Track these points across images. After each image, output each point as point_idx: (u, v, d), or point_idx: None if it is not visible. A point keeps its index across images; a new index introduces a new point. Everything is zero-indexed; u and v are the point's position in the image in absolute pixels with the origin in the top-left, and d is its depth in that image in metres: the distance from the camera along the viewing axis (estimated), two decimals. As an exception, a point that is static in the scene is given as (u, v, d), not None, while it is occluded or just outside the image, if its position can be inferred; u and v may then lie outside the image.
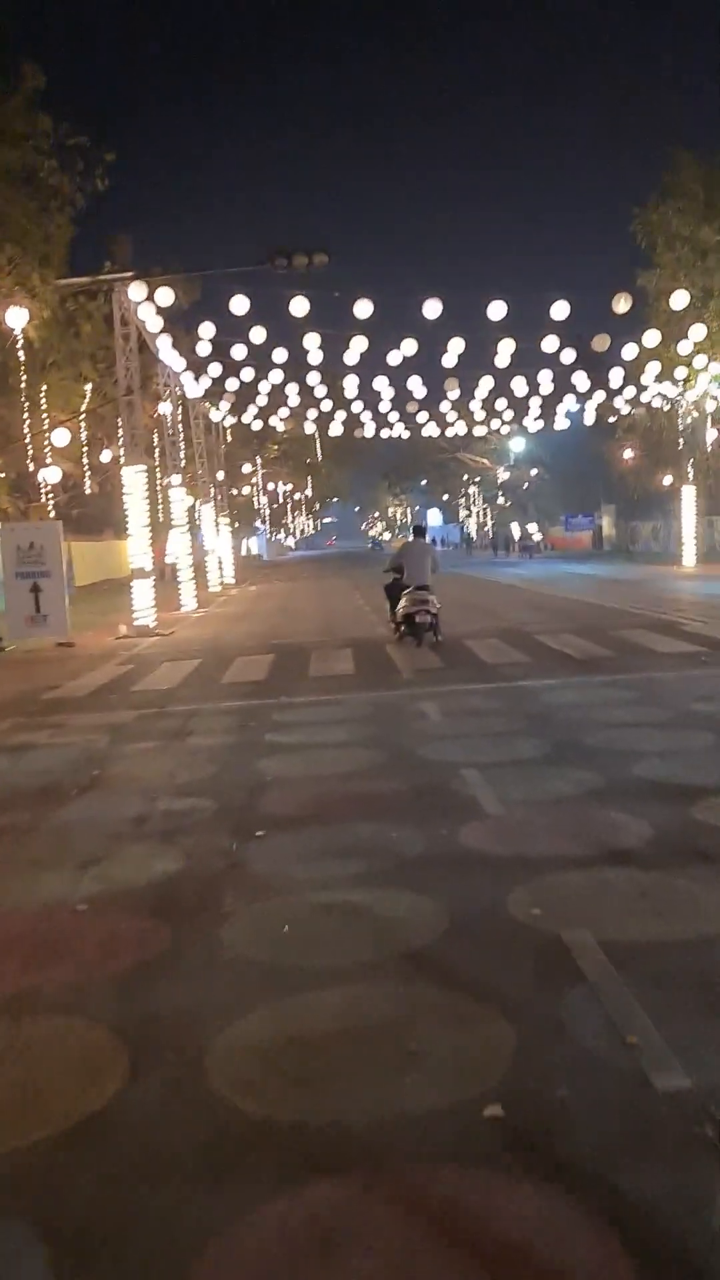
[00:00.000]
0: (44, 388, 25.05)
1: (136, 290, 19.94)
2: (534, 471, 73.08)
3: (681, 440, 37.08)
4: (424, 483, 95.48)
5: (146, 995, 3.92)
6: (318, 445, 68.04)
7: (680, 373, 31.42)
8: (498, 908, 4.55)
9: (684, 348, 27.61)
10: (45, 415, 25.41)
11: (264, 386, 29.86)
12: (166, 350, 24.71)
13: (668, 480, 45.57)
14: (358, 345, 24.13)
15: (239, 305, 21.01)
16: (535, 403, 34.65)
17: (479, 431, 45.18)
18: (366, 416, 37.06)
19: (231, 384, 29.16)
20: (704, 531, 38.12)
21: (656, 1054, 3.23)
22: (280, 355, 25.53)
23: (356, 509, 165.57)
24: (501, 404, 35.34)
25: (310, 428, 43.55)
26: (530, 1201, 2.59)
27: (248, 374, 27.95)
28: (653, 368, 30.36)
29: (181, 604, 26.47)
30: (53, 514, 25.20)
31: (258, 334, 23.30)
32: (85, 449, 31.06)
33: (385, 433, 42.38)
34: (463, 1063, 3.27)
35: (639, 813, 5.91)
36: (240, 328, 23.15)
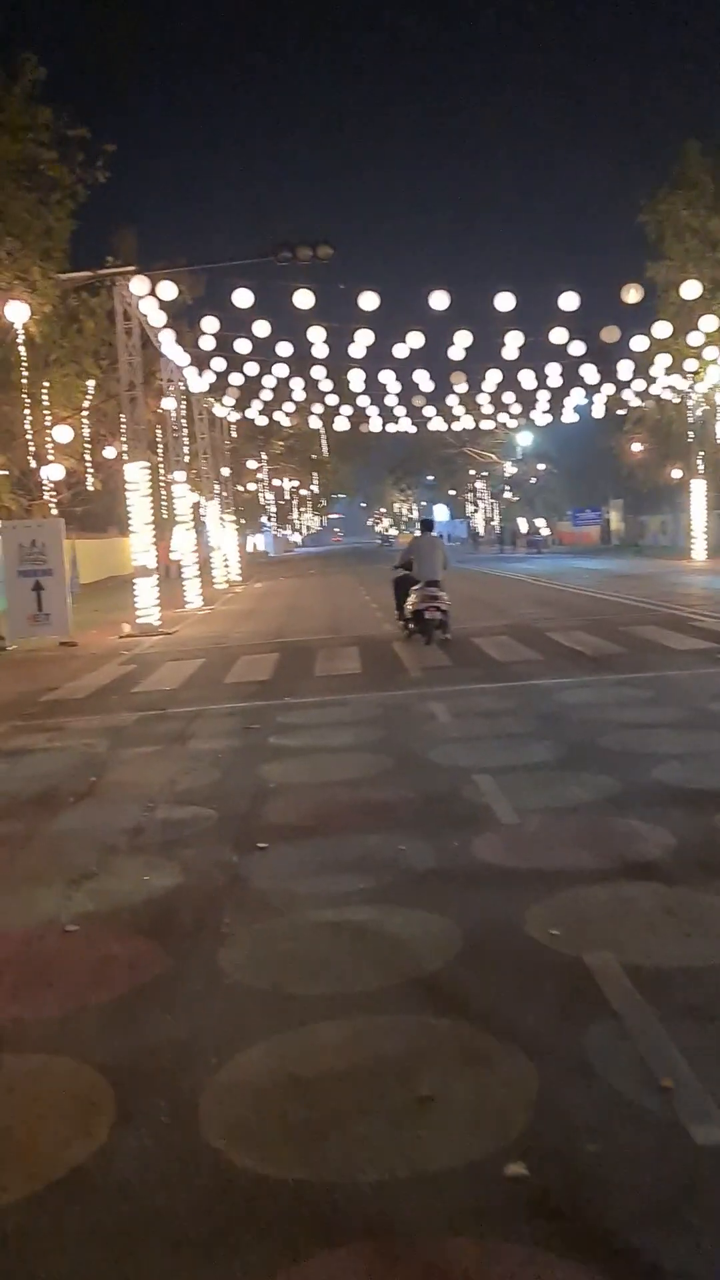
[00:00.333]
0: (46, 384, 24.76)
1: (139, 284, 19.64)
2: (541, 466, 72.67)
3: (691, 433, 36.68)
4: (430, 478, 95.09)
5: (138, 1028, 3.64)
6: (323, 440, 67.70)
7: (690, 365, 31.03)
8: (514, 927, 4.27)
9: (695, 339, 27.20)
10: (47, 412, 25.13)
11: (268, 381, 29.53)
12: (170, 345, 24.41)
13: (676, 474, 45.22)
14: (363, 338, 23.77)
15: (242, 299, 20.70)
16: (543, 396, 34.25)
17: (486, 425, 44.76)
18: (372, 411, 36.70)
19: (235, 379, 28.83)
20: (714, 525, 37.73)
21: (693, 1099, 2.94)
22: (285, 349, 25.21)
23: (363, 505, 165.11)
24: (509, 398, 34.95)
25: (315, 423, 43.17)
26: None
27: (252, 369, 27.61)
28: (662, 360, 29.97)
29: (186, 602, 26.20)
30: (55, 511, 24.96)
31: (261, 328, 22.98)
32: (88, 446, 30.76)
33: (391, 427, 41.96)
34: (481, 1110, 2.98)
35: (660, 821, 5.62)
36: (244, 322, 22.84)
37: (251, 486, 69.92)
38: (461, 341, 24.42)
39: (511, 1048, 3.29)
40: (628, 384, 32.00)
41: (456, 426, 45.21)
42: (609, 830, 5.56)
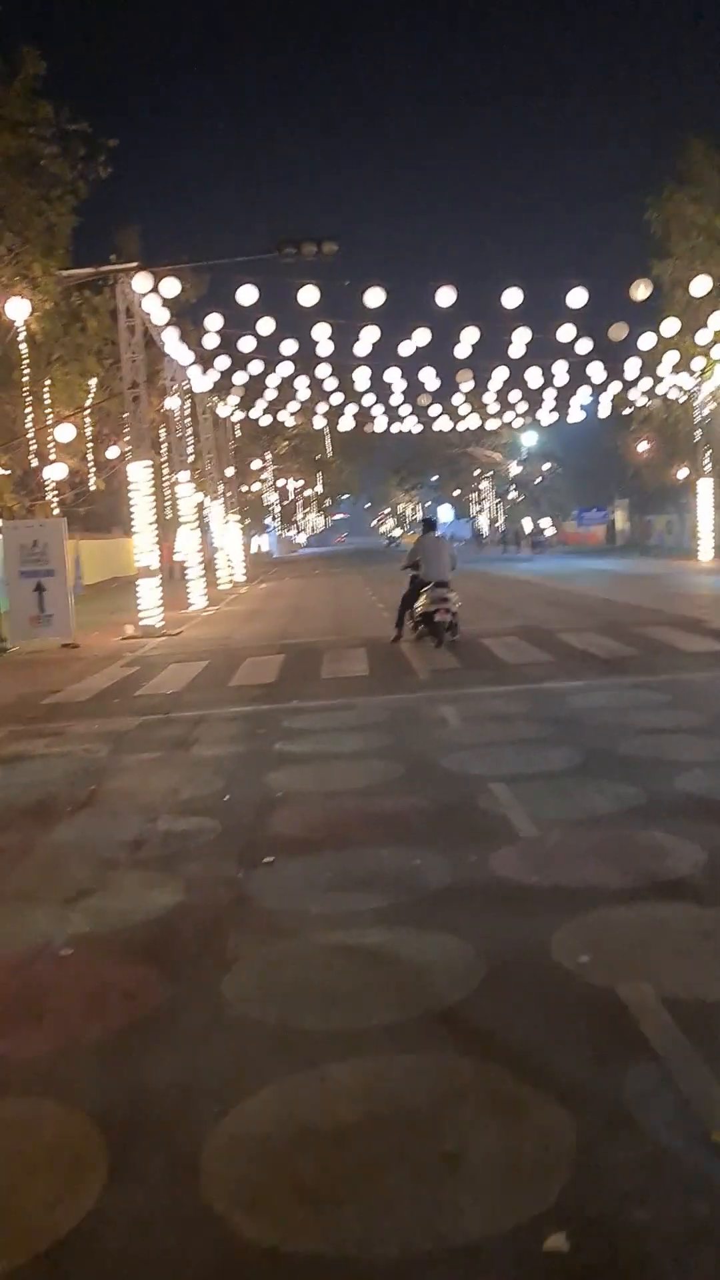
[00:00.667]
0: (48, 382, 24.48)
1: (141, 281, 19.36)
2: (546, 466, 72.31)
3: (698, 432, 36.35)
4: (435, 478, 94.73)
5: (135, 1068, 3.35)
6: (328, 440, 67.40)
7: (698, 363, 30.73)
8: (540, 953, 3.97)
9: (702, 337, 26.88)
10: (49, 411, 24.85)
11: (273, 380, 29.25)
12: (173, 343, 24.13)
13: (683, 474, 44.88)
14: (369, 336, 23.47)
15: (247, 296, 20.40)
16: (550, 395, 33.94)
17: (492, 424, 44.44)
18: (378, 410, 36.41)
19: (240, 378, 28.55)
20: (720, 525, 37.40)
21: (749, 1157, 2.65)
22: (289, 347, 24.93)
23: (367, 505, 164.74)
24: (515, 396, 34.65)
25: (320, 422, 42.87)
26: None
27: (256, 367, 27.33)
28: (669, 358, 29.67)
29: (190, 603, 25.94)
30: (57, 511, 24.70)
31: (266, 325, 22.69)
32: (90, 445, 30.48)
33: (396, 427, 41.67)
34: (513, 1170, 2.69)
35: (688, 834, 5.32)
36: (248, 319, 22.57)
37: (256, 487, 69.62)
38: (468, 338, 24.12)
39: (544, 1095, 3.00)
40: (634, 383, 31.69)
41: (462, 426, 44.90)
42: (634, 844, 5.27)
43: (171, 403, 28.07)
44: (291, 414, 38.17)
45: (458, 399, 35.34)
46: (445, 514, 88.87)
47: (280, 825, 6.11)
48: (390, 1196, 2.59)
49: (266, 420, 39.57)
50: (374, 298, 20.41)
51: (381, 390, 31.64)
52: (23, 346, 21.32)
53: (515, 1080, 3.09)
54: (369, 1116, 2.95)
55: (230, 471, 43.60)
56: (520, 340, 24.69)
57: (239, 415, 39.18)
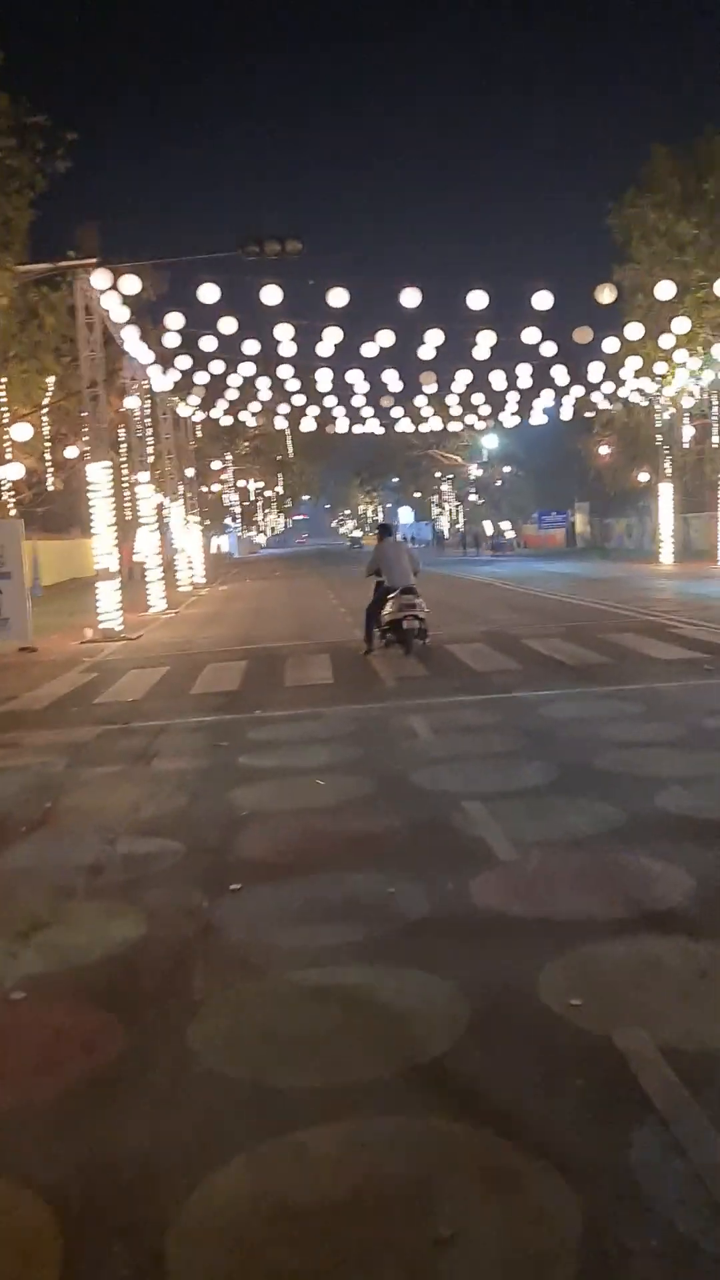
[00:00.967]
0: (4, 380, 23.96)
1: (100, 278, 18.95)
2: (507, 469, 72.46)
3: (659, 436, 36.49)
4: (396, 480, 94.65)
5: (92, 1134, 3.05)
6: (289, 441, 67.07)
7: (660, 368, 30.79)
8: (527, 994, 3.73)
9: (666, 341, 26.90)
10: (5, 409, 24.32)
11: (234, 380, 28.88)
12: (133, 342, 23.71)
13: (644, 477, 45.06)
14: (332, 336, 23.19)
15: (208, 294, 20.04)
16: (513, 398, 33.86)
17: (454, 427, 44.35)
18: (340, 411, 36.13)
19: (201, 378, 28.16)
20: (681, 529, 37.59)
21: (771, 1239, 2.41)
22: (251, 348, 24.58)
23: (328, 506, 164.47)
24: (478, 399, 34.54)
25: (281, 423, 42.50)
26: None
27: (217, 367, 26.94)
28: (632, 363, 29.71)
29: (150, 605, 25.51)
30: (14, 512, 24.20)
31: (228, 325, 22.33)
32: (48, 445, 29.93)
33: (358, 428, 41.39)
34: (514, 1257, 2.43)
35: (674, 858, 5.11)
36: (209, 319, 22.20)
37: (216, 488, 69.09)
38: (432, 340, 23.92)
39: (542, 1164, 2.75)
40: (597, 386, 31.69)
41: (424, 428, 44.76)
42: (618, 869, 5.05)
43: (131, 402, 27.62)
44: (253, 414, 37.78)
45: (420, 401, 35.16)
46: (406, 516, 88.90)
47: (246, 847, 5.82)
48: (379, 1293, 2.33)
49: (228, 421, 39.18)
50: (337, 298, 20.14)
51: (344, 391, 31.37)
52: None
53: (510, 1148, 2.84)
54: (351, 1193, 2.68)
55: (191, 472, 43.14)
56: (484, 343, 24.52)
57: (200, 416, 38.75)
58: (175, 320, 22.31)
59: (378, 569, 14.16)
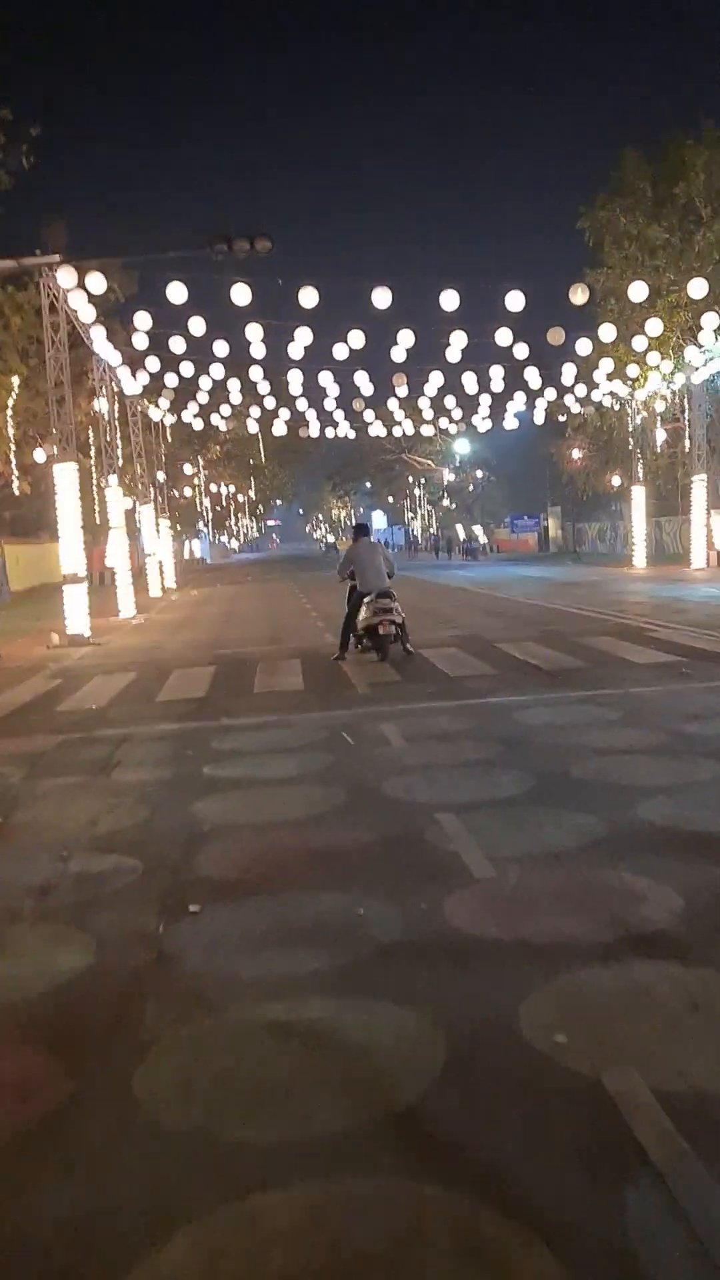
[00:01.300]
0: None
1: (65, 276, 18.57)
2: (480, 473, 72.42)
3: (631, 440, 36.44)
4: (369, 485, 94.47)
5: (23, 1202, 2.72)
6: (261, 445, 66.67)
7: (632, 370, 30.72)
8: (508, 1030, 3.42)
9: (639, 343, 26.78)
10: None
11: (205, 383, 28.51)
12: (101, 343, 23.33)
13: (616, 481, 45.05)
14: (302, 337, 22.88)
15: (177, 294, 19.67)
16: (485, 401, 33.69)
17: (427, 431, 44.16)
18: (311, 415, 35.85)
19: (171, 380, 27.76)
20: (653, 533, 37.57)
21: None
22: (221, 349, 24.25)
23: (300, 511, 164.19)
24: (450, 402, 34.35)
25: (253, 426, 42.13)
26: None
27: (187, 369, 26.56)
28: (605, 365, 29.61)
29: (119, 610, 25.09)
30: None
31: (197, 325, 21.98)
32: (14, 448, 29.43)
33: (330, 432, 41.14)
34: None
35: (659, 873, 4.83)
36: (179, 319, 21.85)
37: (188, 492, 68.58)
38: (404, 341, 23.67)
39: (527, 1233, 2.44)
40: (570, 389, 31.57)
41: (396, 432, 44.57)
42: (601, 886, 4.76)
43: (100, 404, 27.20)
44: (224, 418, 37.41)
45: (392, 404, 34.94)
46: (379, 520, 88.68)
47: (208, 864, 5.49)
48: None
49: (198, 424, 38.79)
50: (308, 298, 19.84)
51: (315, 394, 31.10)
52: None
53: (491, 1213, 2.53)
54: (316, 1273, 2.36)
55: (161, 476, 42.69)
56: (457, 344, 24.30)
57: (170, 418, 38.33)
58: (143, 320, 21.92)
59: (351, 571, 13.51)
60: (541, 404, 34.56)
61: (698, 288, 23.20)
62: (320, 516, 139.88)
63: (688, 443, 34.01)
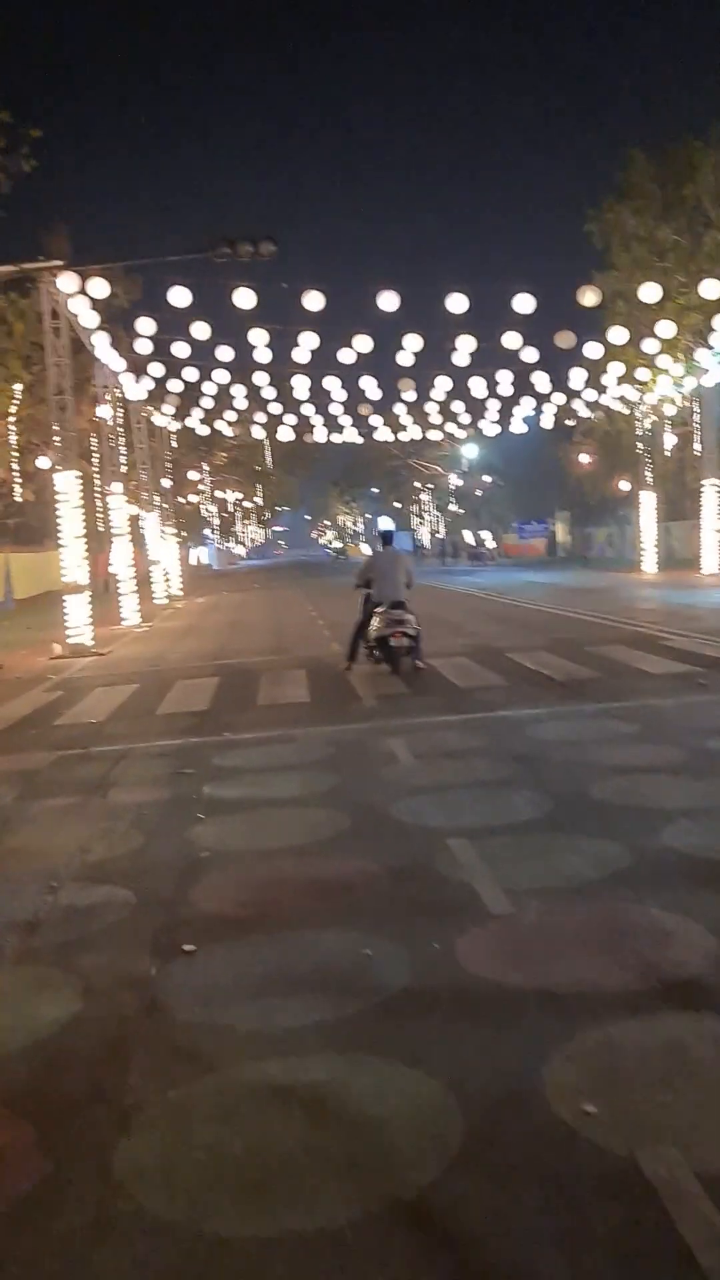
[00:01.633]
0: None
1: (67, 281, 18.29)
2: (487, 478, 72.11)
3: (640, 444, 36.10)
4: (375, 490, 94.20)
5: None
6: (267, 451, 66.47)
7: (642, 374, 30.38)
8: (532, 1097, 3.09)
9: (650, 346, 26.41)
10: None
11: (209, 388, 28.25)
12: (104, 348, 23.05)
13: (624, 486, 44.71)
14: (307, 342, 22.58)
15: (180, 297, 19.38)
16: (493, 405, 33.35)
17: (434, 435, 43.82)
18: (317, 420, 35.55)
19: (175, 385, 27.50)
20: (663, 538, 37.19)
21: None
22: (225, 354, 23.97)
23: (307, 517, 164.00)
24: (458, 406, 34.03)
25: (259, 432, 41.86)
26: None
27: (191, 374, 26.29)
28: (614, 368, 29.28)
29: (123, 619, 24.80)
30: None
31: (201, 330, 21.69)
32: (17, 455, 29.21)
33: (336, 437, 40.84)
34: None
35: (690, 910, 4.49)
36: (182, 324, 21.57)
37: (193, 498, 68.37)
38: (411, 345, 23.35)
39: None
40: (579, 394, 31.24)
41: (403, 437, 44.27)
42: (627, 925, 4.42)
43: (104, 411, 26.94)
44: (229, 424, 37.14)
45: (399, 409, 34.63)
46: (385, 525, 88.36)
47: (204, 897, 5.16)
48: None
49: (204, 430, 38.55)
50: (313, 301, 19.54)
51: (321, 399, 30.80)
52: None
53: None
54: None
55: (167, 483, 42.45)
56: (464, 348, 23.98)
57: (175, 425, 38.10)
58: (147, 325, 21.65)
59: (368, 579, 13.04)
60: (550, 408, 34.24)
61: (710, 288, 22.84)
62: (327, 522, 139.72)
63: (698, 446, 33.67)
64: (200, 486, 69.28)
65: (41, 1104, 3.27)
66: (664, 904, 4.60)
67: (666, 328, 24.98)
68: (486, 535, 66.53)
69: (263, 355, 23.44)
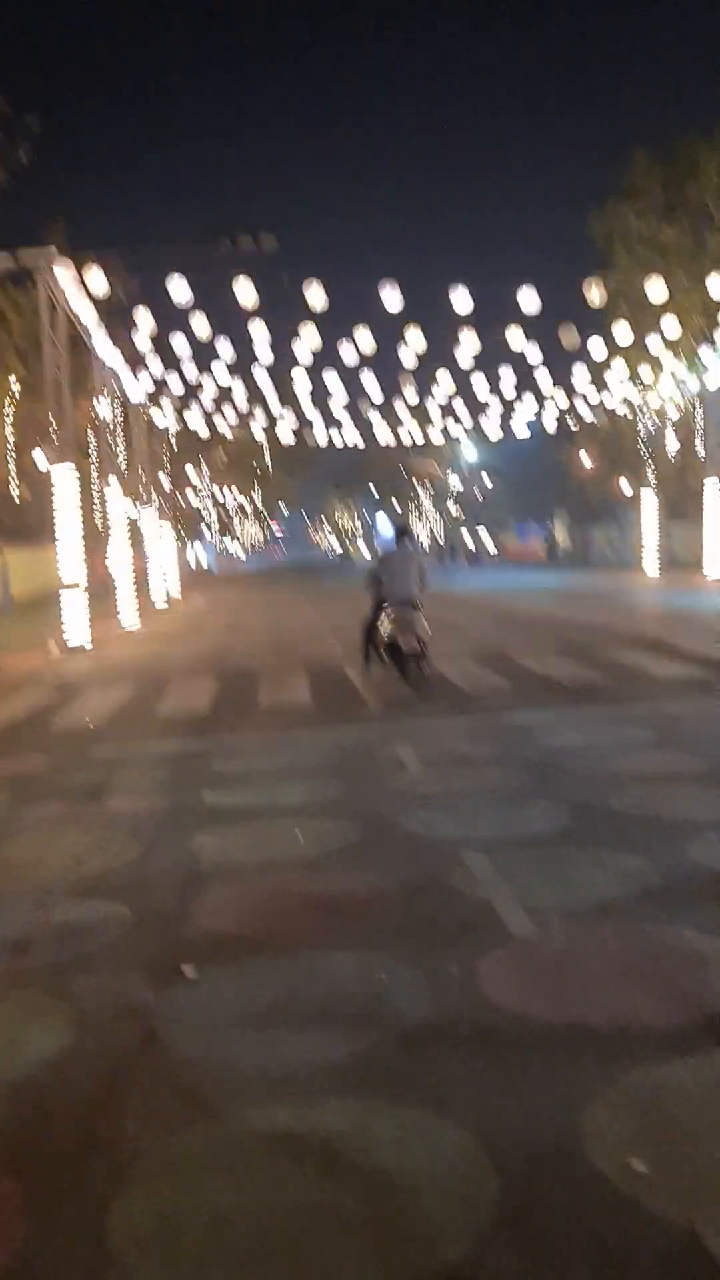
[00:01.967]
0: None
1: (63, 270, 17.97)
2: (486, 479, 71.78)
3: (642, 446, 35.82)
4: (376, 496, 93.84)
5: None
6: (266, 452, 66.13)
7: (647, 376, 30.12)
8: (572, 1153, 2.78)
9: (653, 344, 26.15)
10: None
11: (208, 386, 27.93)
12: (102, 342, 22.74)
13: (626, 487, 44.38)
14: (309, 336, 22.26)
15: (179, 291, 19.05)
16: (495, 404, 33.05)
17: (435, 435, 43.48)
18: (317, 418, 35.24)
19: (174, 381, 27.17)
20: (665, 540, 36.88)
21: None
22: (225, 351, 23.66)
23: (305, 517, 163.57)
24: (459, 405, 33.74)
25: (259, 433, 41.52)
26: None
27: (191, 371, 25.97)
28: (617, 366, 29.01)
29: (121, 619, 24.47)
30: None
31: (201, 325, 21.37)
32: (13, 452, 28.88)
33: (336, 438, 40.50)
34: None
35: (724, 932, 4.18)
36: (181, 319, 21.25)
37: (192, 498, 67.99)
38: (413, 343, 23.05)
39: None
40: (582, 395, 30.97)
41: (404, 436, 43.92)
42: (662, 950, 4.11)
43: (102, 408, 26.61)
44: (231, 426, 36.80)
45: (400, 408, 34.33)
46: (383, 525, 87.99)
47: (206, 915, 4.84)
48: None
49: (203, 430, 38.22)
50: (314, 295, 19.23)
51: (321, 398, 30.50)
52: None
53: None
54: None
55: (166, 482, 42.12)
56: (467, 344, 23.68)
57: (174, 425, 37.77)
58: (145, 319, 21.32)
59: (379, 579, 12.33)
60: (552, 408, 33.96)
61: (717, 287, 22.56)
62: (326, 523, 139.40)
63: (700, 447, 33.37)
64: (199, 486, 68.89)
65: (26, 1154, 2.96)
66: (698, 925, 4.29)
67: (672, 324, 24.69)
68: (485, 535, 66.20)
69: (263, 350, 23.13)
